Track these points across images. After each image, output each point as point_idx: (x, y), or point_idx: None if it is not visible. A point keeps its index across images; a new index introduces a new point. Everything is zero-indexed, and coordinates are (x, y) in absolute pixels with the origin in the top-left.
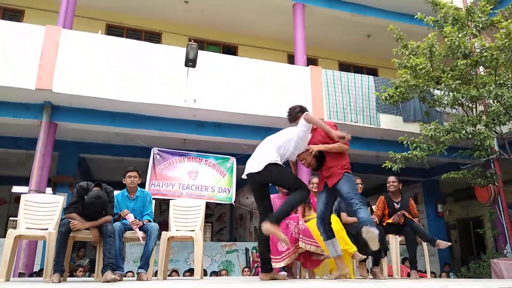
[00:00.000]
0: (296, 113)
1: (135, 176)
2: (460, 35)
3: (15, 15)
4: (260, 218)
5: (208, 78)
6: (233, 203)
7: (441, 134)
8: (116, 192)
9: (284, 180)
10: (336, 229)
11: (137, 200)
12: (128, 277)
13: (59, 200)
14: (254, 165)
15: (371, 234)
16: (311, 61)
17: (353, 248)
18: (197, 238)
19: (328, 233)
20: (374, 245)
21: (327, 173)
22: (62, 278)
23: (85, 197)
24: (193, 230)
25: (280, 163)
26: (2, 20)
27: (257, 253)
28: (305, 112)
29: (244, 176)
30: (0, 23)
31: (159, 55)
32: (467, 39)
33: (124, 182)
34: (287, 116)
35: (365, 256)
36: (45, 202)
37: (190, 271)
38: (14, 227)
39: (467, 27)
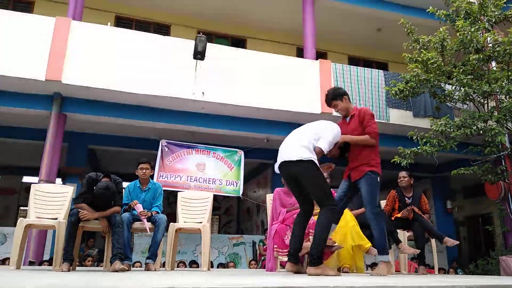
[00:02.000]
0: (329, 99)
1: (146, 168)
2: (472, 29)
3: (25, 6)
4: (300, 207)
5: (216, 71)
6: (241, 196)
7: (452, 130)
8: (125, 184)
9: (317, 187)
10: (352, 224)
11: (148, 192)
12: (136, 267)
13: (68, 190)
14: (289, 153)
15: (384, 270)
16: (321, 55)
17: (368, 244)
18: (205, 230)
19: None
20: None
21: (353, 164)
22: (71, 267)
23: (94, 187)
24: (201, 222)
25: (316, 161)
26: (13, 12)
27: (264, 247)
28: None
29: (276, 169)
30: (10, 15)
31: (168, 47)
32: (480, 34)
33: (136, 173)
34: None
35: None
36: (55, 192)
37: (196, 263)
38: (24, 217)
39: (479, 21)
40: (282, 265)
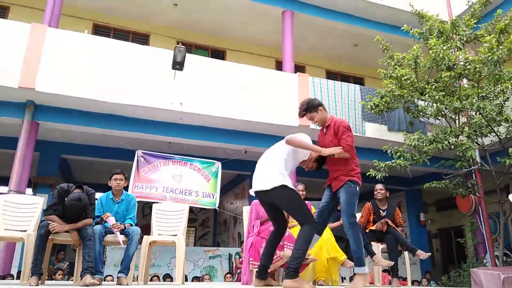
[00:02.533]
0: (303, 110)
1: (121, 179)
2: (444, 48)
3: (0, 11)
4: (273, 225)
5: (195, 82)
6: (217, 208)
7: (424, 144)
8: (98, 195)
9: (294, 209)
10: (327, 237)
11: (121, 203)
12: (108, 281)
13: (38, 202)
14: (261, 182)
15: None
16: (299, 68)
17: (343, 256)
18: (179, 243)
19: (320, 232)
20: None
21: (333, 175)
22: (40, 281)
23: (66, 199)
24: (176, 235)
25: (289, 181)
26: None
27: (240, 259)
28: (289, 137)
29: (252, 193)
30: None
31: (146, 57)
32: (451, 52)
33: (109, 185)
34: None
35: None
36: (24, 203)
37: (170, 276)
38: None
39: (451, 40)
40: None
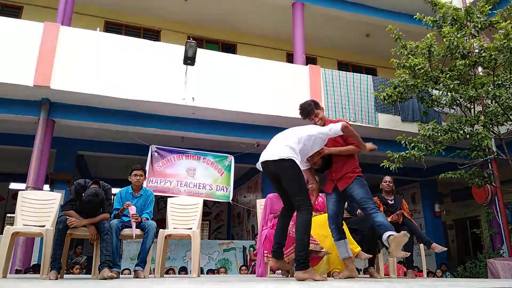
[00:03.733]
0: (311, 109)
1: (140, 175)
2: (458, 35)
3: (13, 11)
4: (284, 204)
5: (206, 76)
6: (231, 201)
7: (439, 134)
8: (114, 190)
9: (294, 186)
10: None
11: (140, 198)
12: (125, 274)
13: (56, 197)
14: (270, 153)
15: (399, 239)
16: (310, 60)
17: (357, 248)
18: (195, 236)
19: (341, 234)
20: (397, 252)
21: (337, 175)
22: (59, 275)
23: (83, 194)
24: (191, 228)
25: (298, 161)
26: (0, 17)
27: (255, 252)
28: (344, 124)
29: (258, 166)
30: None
31: (158, 53)
32: (466, 40)
33: (129, 179)
34: (300, 111)
35: (370, 255)
36: (42, 199)
37: (185, 269)
38: (11, 224)
39: (465, 28)
40: (273, 270)
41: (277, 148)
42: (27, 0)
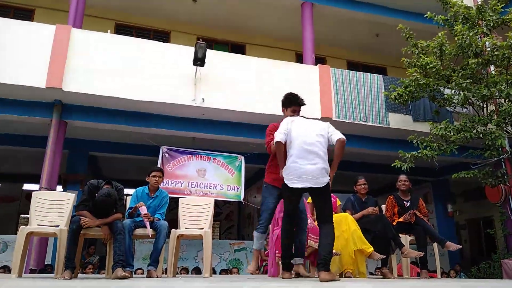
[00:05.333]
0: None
1: (159, 176)
2: (470, 34)
3: (26, 14)
4: (287, 218)
5: (216, 77)
6: (242, 201)
7: (452, 133)
8: (126, 190)
9: (329, 204)
10: (353, 229)
11: (155, 199)
12: (138, 274)
13: (70, 198)
14: (316, 177)
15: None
16: (320, 60)
17: (370, 248)
18: (206, 236)
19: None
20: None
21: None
22: (73, 275)
23: (96, 194)
24: (202, 228)
25: None
26: (13, 20)
27: (266, 252)
28: (344, 139)
29: (294, 185)
30: (11, 23)
31: (168, 54)
32: (478, 38)
33: (147, 180)
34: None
35: (383, 256)
36: (56, 200)
37: (196, 269)
38: (25, 224)
39: (477, 26)
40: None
41: (320, 172)
42: (39, 3)
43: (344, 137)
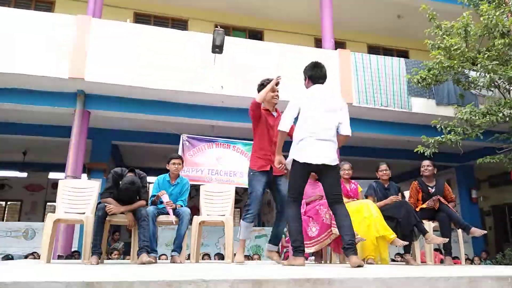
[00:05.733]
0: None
1: (179, 163)
2: (497, 13)
3: (46, 6)
4: (296, 203)
5: (234, 64)
6: None
7: (477, 117)
8: (149, 178)
9: (339, 185)
10: (376, 215)
11: (176, 186)
12: (162, 259)
13: (95, 186)
14: (328, 155)
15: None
16: (339, 44)
17: (392, 234)
18: (228, 222)
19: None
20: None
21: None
22: (100, 260)
23: (120, 182)
24: (224, 215)
25: None
26: (34, 11)
27: (286, 238)
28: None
29: (306, 160)
30: (33, 14)
31: (187, 42)
32: (505, 18)
33: (167, 168)
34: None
35: (406, 242)
36: (81, 188)
37: (219, 255)
38: (52, 212)
39: (504, 5)
40: (306, 257)
41: (332, 150)
42: None
43: (350, 133)
